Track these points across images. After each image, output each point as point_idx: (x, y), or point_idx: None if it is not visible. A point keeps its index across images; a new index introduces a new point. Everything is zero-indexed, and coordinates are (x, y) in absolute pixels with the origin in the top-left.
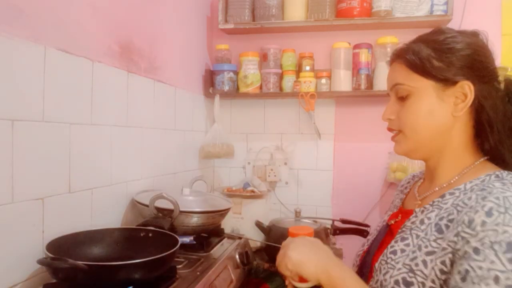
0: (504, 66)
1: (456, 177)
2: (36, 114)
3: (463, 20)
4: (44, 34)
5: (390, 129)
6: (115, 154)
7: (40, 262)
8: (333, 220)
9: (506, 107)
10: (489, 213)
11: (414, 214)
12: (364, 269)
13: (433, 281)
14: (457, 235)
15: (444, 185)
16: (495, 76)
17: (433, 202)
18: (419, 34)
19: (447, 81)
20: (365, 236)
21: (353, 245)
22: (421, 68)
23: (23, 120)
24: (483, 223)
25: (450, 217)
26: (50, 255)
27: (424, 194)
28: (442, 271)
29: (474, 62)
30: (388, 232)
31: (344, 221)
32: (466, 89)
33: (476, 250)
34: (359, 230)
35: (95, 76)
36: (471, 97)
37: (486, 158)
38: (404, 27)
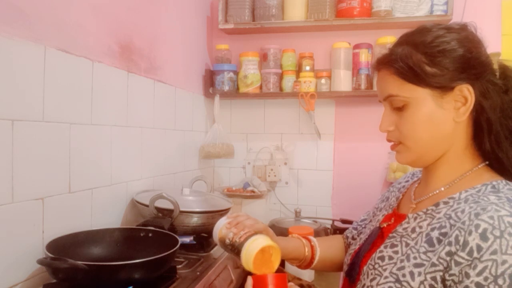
0: (496, 52)
1: (453, 182)
2: (36, 114)
3: (463, 20)
4: (44, 34)
5: (389, 140)
6: (115, 154)
7: (40, 262)
8: (333, 220)
9: (503, 99)
10: (483, 236)
11: (406, 220)
12: (353, 271)
13: None
14: (449, 254)
15: (441, 189)
16: (490, 67)
17: (427, 209)
18: None
19: (444, 88)
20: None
21: None
22: (413, 77)
23: (23, 120)
24: (479, 248)
25: (443, 230)
26: (50, 255)
27: (420, 198)
28: (431, 286)
29: (468, 61)
30: (380, 235)
31: (344, 221)
32: (466, 92)
33: (480, 285)
34: None
35: (95, 76)
36: (471, 100)
37: (485, 163)
38: (404, 27)
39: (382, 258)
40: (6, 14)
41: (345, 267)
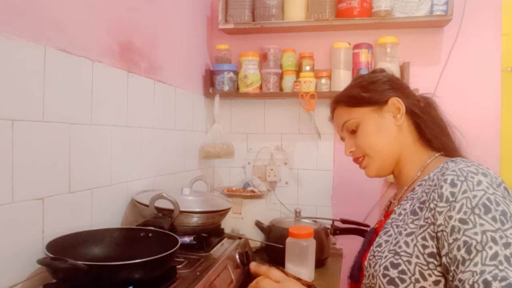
0: (415, 88)
1: (419, 173)
2: (36, 114)
3: (463, 20)
4: (44, 34)
5: (355, 160)
6: (115, 154)
7: (40, 262)
8: (333, 220)
9: (431, 112)
10: (452, 184)
11: (393, 213)
12: (355, 270)
13: (417, 257)
14: (431, 210)
15: (412, 182)
16: (413, 94)
17: (407, 197)
18: (419, 34)
19: (379, 102)
20: (365, 236)
21: (353, 245)
22: (356, 102)
23: (23, 120)
24: (452, 194)
25: (422, 199)
26: (50, 255)
27: (399, 195)
28: (424, 246)
29: (393, 83)
30: (374, 234)
31: (344, 221)
32: (396, 103)
33: (462, 220)
34: (359, 230)
35: (95, 76)
36: (403, 107)
37: (441, 153)
38: (404, 27)
39: (379, 245)
40: (6, 14)
41: (349, 271)
